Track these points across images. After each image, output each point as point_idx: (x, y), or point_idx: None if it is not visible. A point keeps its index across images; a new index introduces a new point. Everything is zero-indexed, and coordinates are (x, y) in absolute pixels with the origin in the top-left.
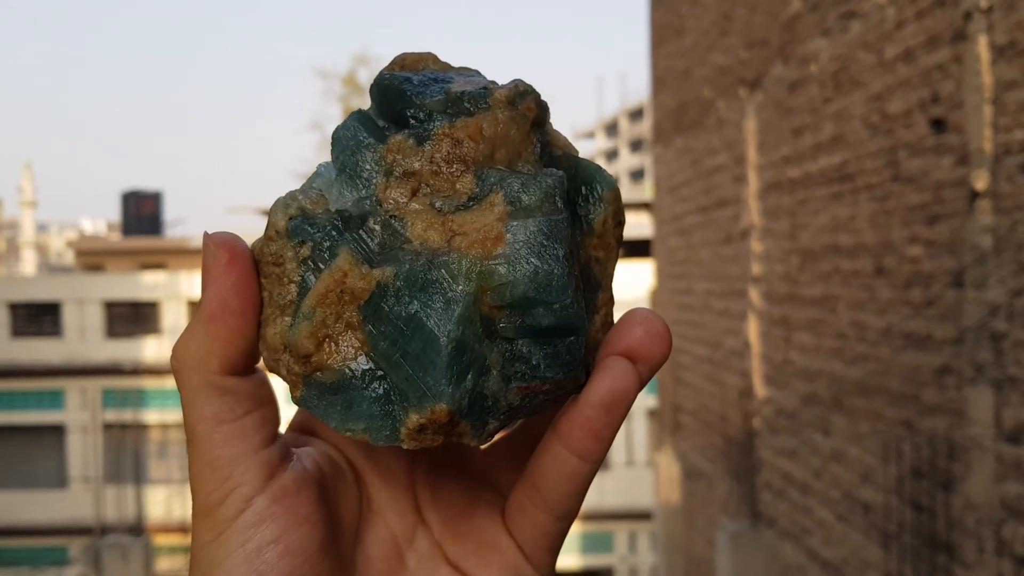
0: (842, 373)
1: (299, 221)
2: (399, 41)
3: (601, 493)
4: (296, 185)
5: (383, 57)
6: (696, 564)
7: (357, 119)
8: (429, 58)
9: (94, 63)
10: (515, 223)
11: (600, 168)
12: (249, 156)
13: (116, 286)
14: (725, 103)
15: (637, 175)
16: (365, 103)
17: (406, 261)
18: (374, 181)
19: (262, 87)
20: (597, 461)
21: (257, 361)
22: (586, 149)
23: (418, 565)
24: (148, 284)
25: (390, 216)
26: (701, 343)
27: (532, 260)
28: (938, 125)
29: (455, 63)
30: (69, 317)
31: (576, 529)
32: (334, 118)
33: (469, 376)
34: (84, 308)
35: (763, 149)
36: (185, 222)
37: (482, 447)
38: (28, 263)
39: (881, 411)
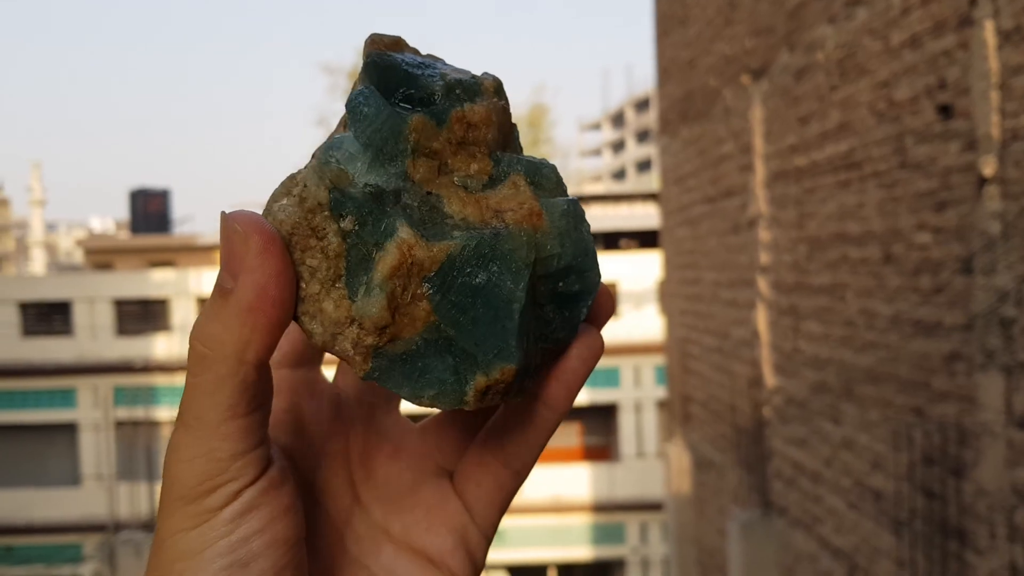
0: (851, 361)
1: (339, 193)
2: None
3: (612, 485)
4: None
5: None
6: (708, 554)
7: (375, 96)
8: (402, 42)
9: (99, 61)
10: (546, 202)
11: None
12: (256, 153)
13: (126, 284)
14: (731, 92)
15: (644, 166)
16: None
17: (466, 235)
18: (401, 158)
19: (268, 84)
20: (564, 412)
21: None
22: (592, 141)
23: (358, 546)
24: (157, 282)
25: (427, 192)
26: (710, 333)
27: (572, 234)
28: (945, 111)
29: (459, 56)
30: (79, 316)
31: (587, 521)
32: (339, 114)
33: (528, 338)
34: (94, 306)
35: (770, 138)
36: (193, 219)
37: (422, 425)
38: (38, 262)
39: (891, 398)
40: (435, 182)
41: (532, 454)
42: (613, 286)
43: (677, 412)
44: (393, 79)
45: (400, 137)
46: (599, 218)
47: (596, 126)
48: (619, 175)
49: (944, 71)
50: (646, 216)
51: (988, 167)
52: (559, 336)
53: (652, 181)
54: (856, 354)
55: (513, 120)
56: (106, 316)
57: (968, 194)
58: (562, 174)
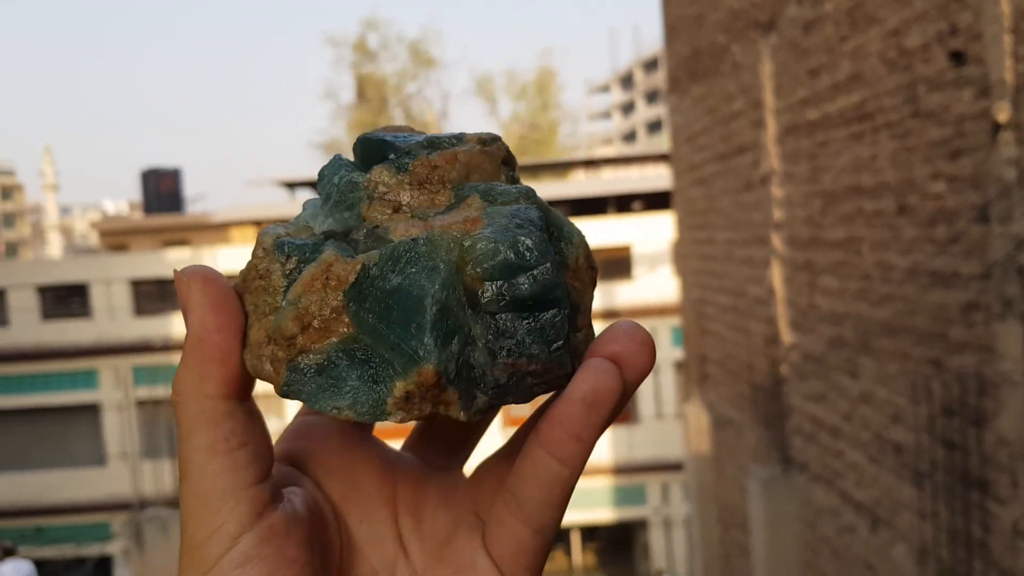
0: (868, 315)
1: (285, 238)
2: (407, 2)
3: (631, 447)
4: (313, 151)
5: (391, 20)
6: (729, 512)
7: (341, 159)
8: (407, 128)
9: (107, 44)
10: (491, 209)
11: (567, 218)
12: (265, 129)
13: (141, 265)
14: (740, 47)
15: (654, 127)
16: (376, 69)
17: (387, 247)
18: (358, 205)
19: (274, 59)
20: (577, 467)
21: (251, 390)
22: (601, 103)
23: None
24: (172, 261)
25: (374, 227)
26: (725, 292)
27: (511, 230)
28: (957, 58)
29: (462, 24)
30: (97, 297)
31: (609, 483)
32: (346, 86)
33: (455, 341)
34: (111, 288)
35: (780, 92)
36: (205, 198)
37: (469, 475)
38: (54, 246)
39: (909, 351)
40: (389, 218)
41: (550, 512)
42: (627, 250)
43: (694, 372)
44: (374, 150)
45: (357, 188)
46: (610, 182)
47: (605, 88)
48: (629, 137)
49: (955, 16)
50: (658, 178)
51: (1002, 113)
52: (532, 352)
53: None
54: (873, 307)
55: (505, 158)
56: (123, 297)
57: (982, 141)
58: (573, 139)
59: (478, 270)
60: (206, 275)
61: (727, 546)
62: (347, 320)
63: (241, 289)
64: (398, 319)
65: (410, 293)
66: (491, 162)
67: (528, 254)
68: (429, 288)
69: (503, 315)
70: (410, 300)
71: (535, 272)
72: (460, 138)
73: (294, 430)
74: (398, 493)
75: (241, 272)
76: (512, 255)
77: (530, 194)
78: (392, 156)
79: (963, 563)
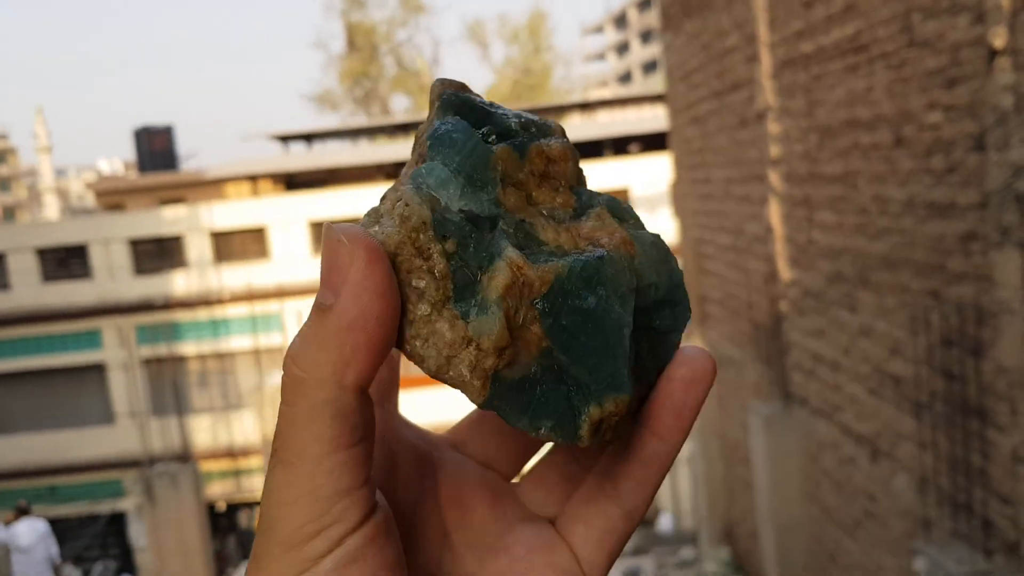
0: (866, 248)
1: (440, 215)
2: None
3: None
4: (305, 102)
5: None
6: (732, 448)
7: (463, 124)
8: (467, 86)
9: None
10: (634, 233)
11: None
12: (256, 81)
13: (139, 224)
14: None
15: (650, 67)
16: (365, 16)
17: (571, 258)
18: (492, 187)
19: (263, 9)
20: (677, 444)
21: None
22: (595, 44)
23: None
24: (170, 219)
25: (520, 220)
26: (723, 231)
27: (663, 265)
28: None
29: None
30: (96, 258)
31: None
32: (336, 35)
33: (632, 371)
34: (110, 248)
35: (774, 25)
36: (199, 154)
37: (526, 474)
38: (51, 208)
39: (907, 283)
40: (525, 210)
41: (645, 492)
42: (625, 193)
43: (695, 312)
44: (471, 115)
45: (488, 166)
46: (607, 124)
47: (599, 29)
48: (625, 78)
49: None
50: (654, 119)
51: (998, 39)
52: (649, 378)
53: (659, 82)
54: (871, 241)
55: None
56: (122, 256)
57: (979, 69)
58: (567, 82)
59: (643, 303)
60: (370, 247)
61: (730, 482)
62: (541, 332)
63: (392, 259)
64: (594, 343)
65: (608, 317)
66: (578, 159)
67: (676, 293)
68: (624, 316)
69: (643, 342)
70: (608, 324)
71: (678, 309)
72: (548, 128)
73: None
74: (439, 487)
75: (389, 239)
76: (668, 295)
77: (635, 213)
78: (488, 130)
79: (963, 491)
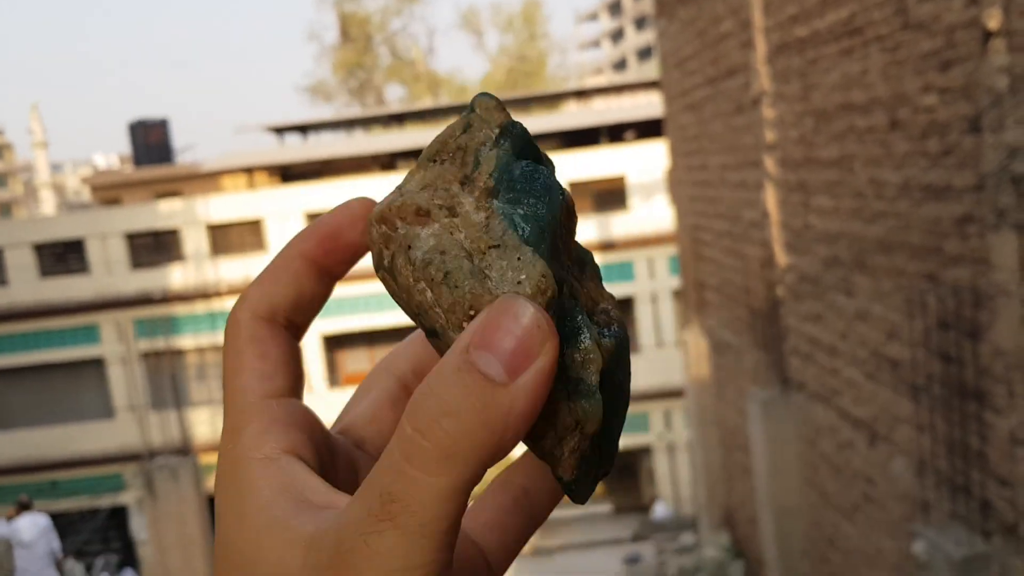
0: (862, 232)
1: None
2: None
3: (634, 376)
4: (300, 94)
5: None
6: (730, 434)
7: (546, 172)
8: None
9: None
10: (614, 313)
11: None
12: (250, 74)
13: (135, 218)
14: None
15: (645, 54)
16: (359, 7)
17: (612, 333)
18: (559, 243)
19: (255, 1)
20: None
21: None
22: (590, 32)
23: None
24: (166, 213)
25: (573, 280)
26: (719, 218)
27: (624, 348)
28: None
29: None
30: (93, 252)
31: None
32: (330, 26)
33: None
34: (107, 242)
35: (769, 10)
36: (194, 147)
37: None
38: (47, 203)
39: (904, 266)
40: (570, 268)
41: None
42: (621, 180)
43: (692, 299)
44: (527, 148)
45: (560, 222)
46: (602, 111)
47: (593, 16)
48: (620, 66)
49: None
50: (649, 106)
51: (993, 20)
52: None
53: (654, 69)
54: (867, 225)
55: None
56: (119, 251)
57: (973, 50)
58: (562, 70)
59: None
60: (556, 336)
61: (729, 468)
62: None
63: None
64: (621, 417)
65: (623, 394)
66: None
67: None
68: (628, 394)
69: None
70: (624, 402)
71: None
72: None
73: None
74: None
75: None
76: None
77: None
78: (534, 171)
79: (961, 473)
